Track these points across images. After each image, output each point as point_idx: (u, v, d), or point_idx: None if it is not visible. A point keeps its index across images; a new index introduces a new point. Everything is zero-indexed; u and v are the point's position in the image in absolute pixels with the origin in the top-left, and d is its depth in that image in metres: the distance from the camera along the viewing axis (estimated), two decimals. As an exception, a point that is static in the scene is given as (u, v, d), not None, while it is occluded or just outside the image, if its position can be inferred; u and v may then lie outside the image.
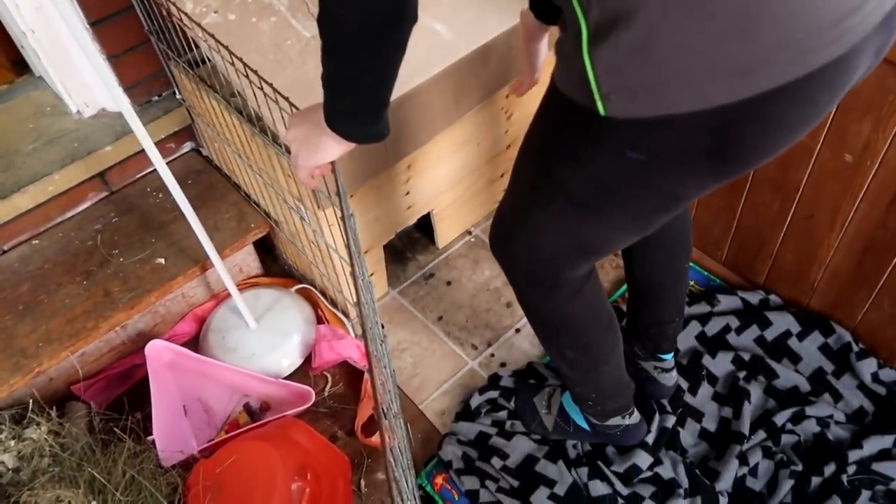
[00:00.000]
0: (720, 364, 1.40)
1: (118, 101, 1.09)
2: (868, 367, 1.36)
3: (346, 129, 0.85)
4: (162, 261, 1.48)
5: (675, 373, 1.35)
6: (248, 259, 1.63)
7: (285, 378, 1.49)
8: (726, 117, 0.70)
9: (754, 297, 1.48)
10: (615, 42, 0.68)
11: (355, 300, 0.87)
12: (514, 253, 1.04)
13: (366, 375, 1.45)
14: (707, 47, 0.66)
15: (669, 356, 1.33)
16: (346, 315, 1.57)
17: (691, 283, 1.57)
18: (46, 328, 1.38)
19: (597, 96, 0.72)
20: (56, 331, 1.38)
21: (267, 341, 1.49)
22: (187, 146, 1.68)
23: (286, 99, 1.06)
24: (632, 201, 0.86)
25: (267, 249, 1.72)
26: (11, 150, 1.50)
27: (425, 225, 1.68)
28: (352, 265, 0.81)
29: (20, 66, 1.69)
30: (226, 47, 1.14)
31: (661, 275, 1.21)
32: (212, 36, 1.17)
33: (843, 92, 0.75)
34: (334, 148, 0.88)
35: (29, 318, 1.40)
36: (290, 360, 1.50)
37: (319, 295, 1.59)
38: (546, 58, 1.23)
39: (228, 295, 1.52)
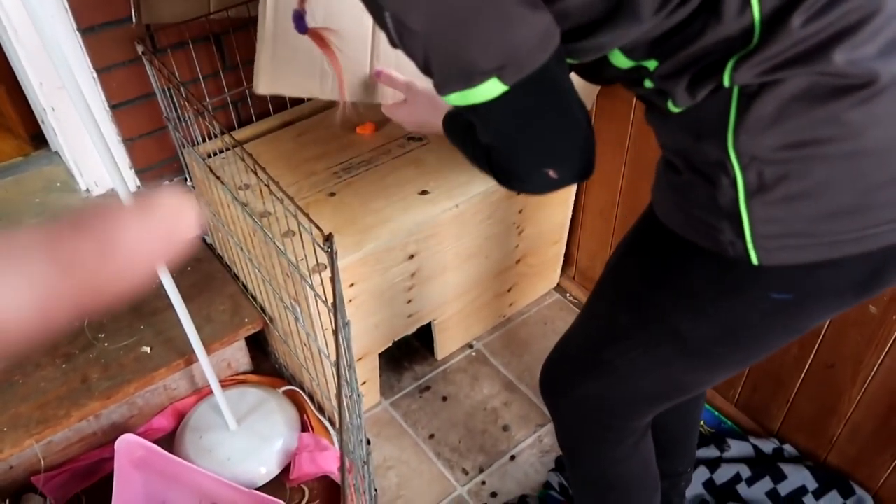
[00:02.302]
0: (729, 517, 1.29)
1: (115, 182, 1.06)
2: (892, 536, 1.24)
3: None
4: (147, 349, 1.42)
5: None
6: (238, 354, 1.57)
7: (260, 487, 1.39)
8: (888, 255, 0.69)
9: (767, 446, 1.38)
10: (783, 193, 0.66)
11: (337, 423, 0.81)
12: (582, 399, 0.96)
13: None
14: (886, 192, 0.65)
15: None
16: (333, 424, 1.48)
17: (700, 422, 1.48)
18: (15, 412, 1.30)
19: (751, 247, 0.69)
20: (24, 416, 1.30)
21: (246, 446, 1.40)
22: (192, 232, 1.65)
23: (291, 199, 1.03)
24: (756, 343, 0.81)
25: (259, 345, 1.66)
26: (13, 223, 1.48)
27: (425, 334, 1.61)
28: (338, 386, 0.75)
29: (38, 139, 1.70)
30: (239, 143, 1.12)
31: (675, 423, 1.14)
32: (226, 132, 1.16)
33: None
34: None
35: (-1, 399, 1.32)
36: (267, 468, 1.40)
37: (307, 399, 1.51)
38: None
39: (212, 391, 1.44)
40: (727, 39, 0.61)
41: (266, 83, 1.15)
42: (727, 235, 0.69)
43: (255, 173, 1.09)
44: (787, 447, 1.39)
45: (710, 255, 0.72)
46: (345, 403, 0.77)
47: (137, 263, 0.25)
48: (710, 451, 1.38)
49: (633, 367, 0.88)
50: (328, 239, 0.94)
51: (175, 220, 0.25)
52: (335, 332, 0.84)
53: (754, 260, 0.69)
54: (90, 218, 0.24)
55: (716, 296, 0.77)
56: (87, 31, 1.32)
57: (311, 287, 1.13)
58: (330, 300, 0.96)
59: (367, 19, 1.12)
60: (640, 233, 0.86)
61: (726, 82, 0.63)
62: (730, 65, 0.62)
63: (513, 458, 1.46)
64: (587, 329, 0.96)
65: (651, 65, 0.67)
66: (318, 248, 1.02)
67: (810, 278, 0.71)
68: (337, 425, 1.47)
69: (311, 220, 0.98)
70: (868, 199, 0.65)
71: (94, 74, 1.38)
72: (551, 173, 0.71)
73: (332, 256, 0.93)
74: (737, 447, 1.38)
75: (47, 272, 0.23)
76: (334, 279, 0.91)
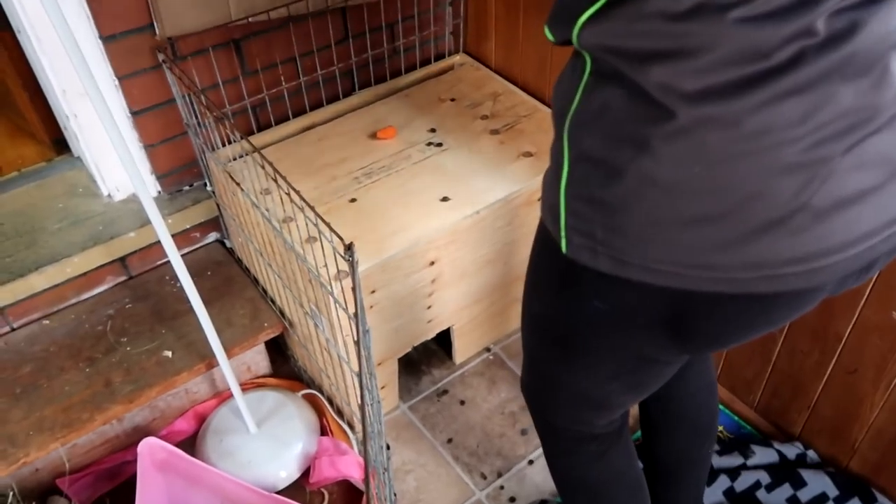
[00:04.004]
0: (749, 524, 1.29)
1: (140, 193, 1.07)
2: (915, 545, 1.23)
3: None
4: (169, 354, 1.43)
5: None
6: (257, 358, 1.58)
7: (280, 491, 1.40)
8: (683, 300, 0.68)
9: (791, 451, 1.37)
10: (587, 194, 0.66)
11: (361, 434, 0.82)
12: (533, 400, 0.99)
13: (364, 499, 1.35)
14: (678, 234, 0.63)
15: None
16: (352, 427, 1.49)
17: (720, 427, 1.47)
18: (40, 415, 1.32)
19: (562, 233, 0.70)
20: (49, 419, 1.32)
21: (266, 449, 1.42)
22: (212, 236, 1.67)
23: (312, 208, 1.03)
24: (606, 353, 0.82)
25: (278, 348, 1.67)
26: (37, 228, 1.49)
27: (443, 337, 1.62)
28: (361, 398, 0.75)
29: (60, 144, 1.71)
30: (258, 150, 1.13)
31: (678, 457, 1.15)
32: (246, 140, 1.17)
33: (808, 308, 0.73)
34: None
35: (24, 403, 1.34)
36: (287, 471, 1.41)
37: (326, 403, 1.52)
38: None
39: (232, 394, 1.45)
40: None
41: (171, 25, 1.06)
42: (553, 216, 0.71)
43: (276, 181, 1.09)
44: (811, 453, 1.38)
45: (556, 243, 0.73)
46: (368, 414, 0.78)
47: None
48: (734, 459, 1.37)
49: (539, 361, 0.92)
50: (349, 248, 0.94)
51: None
52: (357, 343, 0.84)
53: (563, 248, 0.71)
54: None
55: (561, 286, 0.79)
56: (109, 38, 1.33)
57: (333, 296, 1.14)
58: (351, 309, 0.97)
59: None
60: (538, 226, 0.87)
61: (574, 39, 0.63)
62: (584, 16, 0.61)
63: (531, 462, 1.47)
64: (522, 330, 0.98)
65: None
66: (336, 255, 1.02)
67: (617, 294, 0.72)
68: (356, 430, 1.48)
69: (331, 230, 0.98)
70: (654, 232, 0.64)
71: (116, 81, 1.39)
72: None
73: (353, 266, 0.93)
74: (761, 454, 1.37)
75: None
76: (356, 289, 0.91)
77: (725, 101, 0.57)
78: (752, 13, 0.53)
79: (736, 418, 1.50)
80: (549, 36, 0.69)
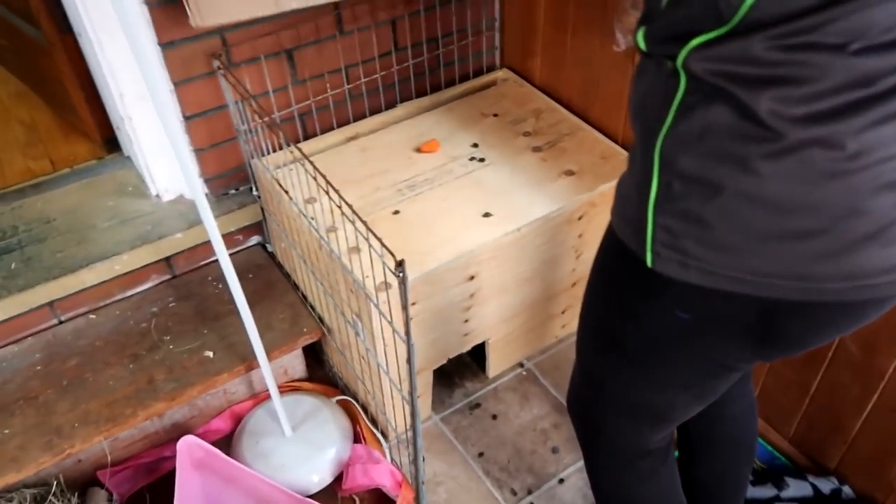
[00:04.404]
0: (782, 557, 1.28)
1: (197, 197, 1.09)
2: (952, 588, 1.21)
3: None
4: (210, 354, 1.46)
5: None
6: (294, 362, 1.60)
7: (312, 495, 1.42)
8: (771, 308, 0.71)
9: (826, 486, 1.36)
10: (683, 209, 0.68)
11: (411, 455, 0.83)
12: (586, 413, 0.99)
13: (396, 507, 1.37)
14: (774, 247, 0.66)
15: None
16: (385, 436, 1.50)
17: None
18: (85, 408, 1.36)
19: (648, 247, 0.72)
20: (94, 413, 1.35)
21: (300, 453, 1.44)
22: (254, 240, 1.70)
23: (364, 222, 1.05)
24: (683, 362, 0.83)
25: (314, 352, 1.69)
26: (88, 226, 1.53)
27: (477, 350, 1.63)
28: (413, 418, 0.77)
29: (111, 143, 1.76)
30: (309, 160, 1.15)
31: (720, 478, 1.15)
32: (298, 149, 1.19)
33: (885, 311, 0.76)
34: None
35: (70, 395, 1.38)
36: (321, 476, 1.43)
37: (360, 410, 1.54)
38: None
39: (268, 396, 1.48)
40: (715, 8, 0.60)
41: (207, 12, 1.01)
42: (635, 231, 0.73)
43: (328, 194, 1.11)
44: (846, 488, 1.36)
45: (634, 256, 0.75)
46: (420, 434, 0.79)
47: None
48: (767, 491, 1.36)
49: (602, 374, 0.92)
50: (400, 265, 0.95)
51: None
52: (408, 362, 0.85)
53: (648, 262, 0.72)
54: None
55: (636, 298, 0.80)
56: (167, 45, 1.37)
57: (378, 307, 1.15)
58: (398, 324, 0.98)
59: None
60: (605, 233, 0.88)
61: (679, 60, 0.64)
62: (696, 41, 0.62)
63: (561, 481, 1.47)
64: (577, 340, 0.99)
65: None
66: (385, 269, 1.04)
67: (704, 304, 0.74)
68: (389, 439, 1.49)
69: (383, 245, 1.00)
70: (751, 245, 0.67)
71: (172, 87, 1.42)
72: None
73: (403, 283, 0.94)
74: (795, 487, 1.36)
75: None
76: (406, 307, 0.92)
77: (831, 124, 0.60)
78: (864, 45, 0.56)
79: (770, 448, 1.48)
80: (642, 45, 0.70)
